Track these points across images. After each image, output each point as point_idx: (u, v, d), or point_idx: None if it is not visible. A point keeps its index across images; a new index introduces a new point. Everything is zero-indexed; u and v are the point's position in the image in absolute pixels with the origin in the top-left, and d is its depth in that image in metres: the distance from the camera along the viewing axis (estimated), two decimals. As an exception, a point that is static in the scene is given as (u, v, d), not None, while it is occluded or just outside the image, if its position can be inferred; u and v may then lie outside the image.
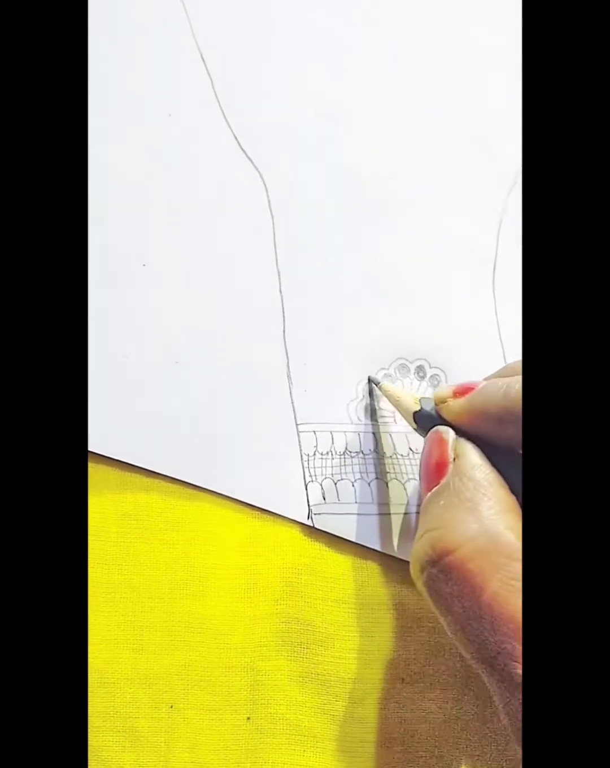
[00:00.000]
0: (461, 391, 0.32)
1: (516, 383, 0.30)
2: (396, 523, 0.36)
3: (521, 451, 0.29)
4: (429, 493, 0.31)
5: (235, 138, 0.36)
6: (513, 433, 0.30)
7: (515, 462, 0.30)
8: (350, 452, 0.36)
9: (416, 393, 0.36)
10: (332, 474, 0.36)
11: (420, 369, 0.37)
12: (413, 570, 0.30)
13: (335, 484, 0.36)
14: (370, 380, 0.36)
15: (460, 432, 0.32)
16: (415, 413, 0.34)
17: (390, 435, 0.36)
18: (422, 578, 0.29)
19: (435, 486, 0.31)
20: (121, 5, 0.36)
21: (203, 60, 0.36)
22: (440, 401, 0.33)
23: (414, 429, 0.34)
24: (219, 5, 0.37)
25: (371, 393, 0.37)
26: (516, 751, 0.30)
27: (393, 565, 0.35)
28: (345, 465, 0.36)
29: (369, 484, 0.36)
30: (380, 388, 0.36)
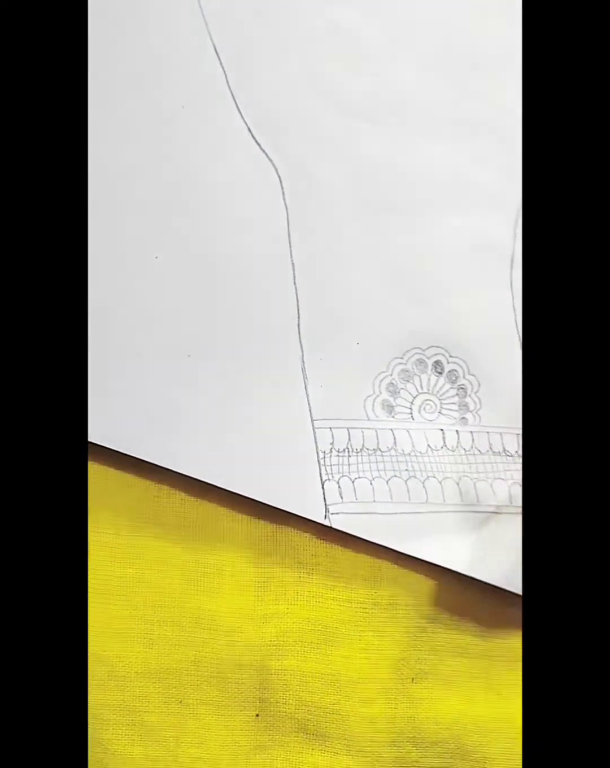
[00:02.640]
0: None
1: None
2: (413, 522, 0.35)
3: None
4: None
5: (250, 130, 0.36)
6: None
7: None
8: (368, 449, 0.35)
9: (434, 391, 0.36)
10: (349, 472, 0.35)
11: (438, 364, 0.36)
12: None
13: (353, 482, 0.35)
14: None
15: None
16: None
17: (408, 432, 0.36)
18: None
19: None
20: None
21: (217, 52, 0.36)
22: None
23: None
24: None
25: (387, 388, 0.36)
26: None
27: (408, 565, 0.35)
28: (362, 462, 0.35)
29: (387, 482, 0.35)
30: None
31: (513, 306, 0.36)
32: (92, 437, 0.34)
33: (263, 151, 0.36)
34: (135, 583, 0.34)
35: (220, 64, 0.36)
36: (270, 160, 0.36)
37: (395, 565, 0.35)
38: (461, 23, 0.37)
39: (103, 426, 0.34)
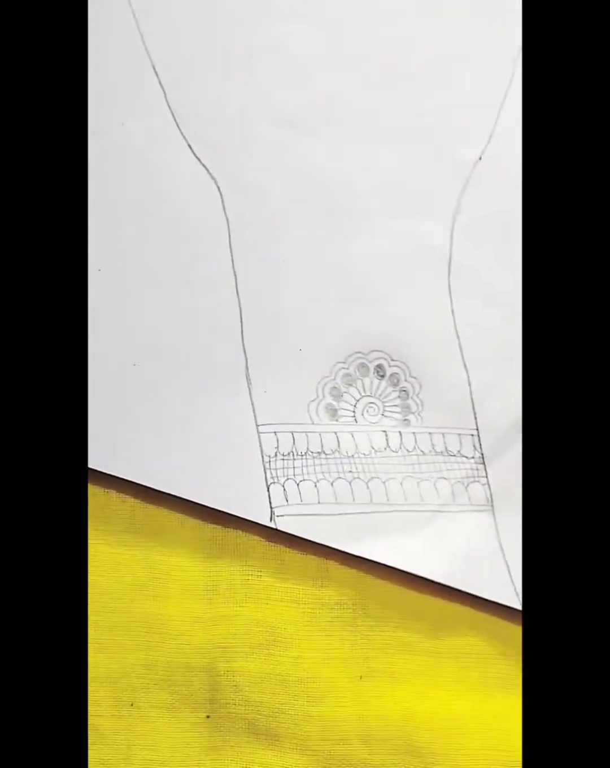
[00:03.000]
0: None
1: None
2: (358, 522, 0.36)
3: None
4: None
5: (188, 145, 0.37)
6: None
7: None
8: (312, 452, 0.36)
9: (376, 394, 0.36)
10: (294, 475, 0.36)
11: (379, 367, 0.37)
12: None
13: (298, 485, 0.36)
14: None
15: None
16: None
17: (352, 434, 0.36)
18: None
19: None
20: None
21: (155, 68, 0.37)
22: None
23: None
24: (168, 13, 0.37)
25: (331, 392, 0.37)
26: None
27: (354, 565, 0.35)
28: (307, 466, 0.36)
29: (331, 484, 0.36)
30: None
31: (452, 309, 0.37)
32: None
33: (202, 164, 0.37)
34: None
35: (159, 80, 0.37)
36: (209, 172, 0.37)
37: (342, 566, 0.35)
38: (392, 32, 0.38)
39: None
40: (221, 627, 0.34)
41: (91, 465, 0.35)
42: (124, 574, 0.35)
